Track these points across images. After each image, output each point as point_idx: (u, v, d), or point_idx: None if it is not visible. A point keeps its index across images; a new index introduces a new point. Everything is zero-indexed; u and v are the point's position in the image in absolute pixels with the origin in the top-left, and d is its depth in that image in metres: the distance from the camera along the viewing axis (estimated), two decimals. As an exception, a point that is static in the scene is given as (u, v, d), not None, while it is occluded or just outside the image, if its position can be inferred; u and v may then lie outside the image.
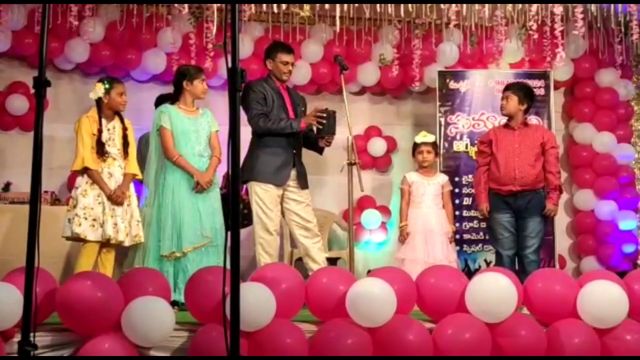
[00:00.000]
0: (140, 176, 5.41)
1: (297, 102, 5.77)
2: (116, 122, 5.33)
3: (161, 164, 5.32)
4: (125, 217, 5.20)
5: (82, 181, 5.16)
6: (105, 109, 5.28)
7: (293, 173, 5.57)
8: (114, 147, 5.25)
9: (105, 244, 5.17)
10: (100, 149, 5.17)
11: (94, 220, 5.08)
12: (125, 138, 5.32)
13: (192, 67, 5.62)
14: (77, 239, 5.14)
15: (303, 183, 5.62)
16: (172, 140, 5.26)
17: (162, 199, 5.21)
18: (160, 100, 6.12)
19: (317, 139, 5.66)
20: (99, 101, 5.27)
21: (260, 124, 5.48)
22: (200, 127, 5.36)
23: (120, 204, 5.17)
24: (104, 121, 5.24)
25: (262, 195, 5.49)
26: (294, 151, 5.59)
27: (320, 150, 5.80)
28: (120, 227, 5.15)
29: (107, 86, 5.25)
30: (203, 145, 5.35)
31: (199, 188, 5.22)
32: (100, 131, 5.19)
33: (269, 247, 5.49)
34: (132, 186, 5.36)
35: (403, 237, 5.87)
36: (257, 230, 5.51)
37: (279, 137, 5.52)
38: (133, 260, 5.36)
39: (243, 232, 6.58)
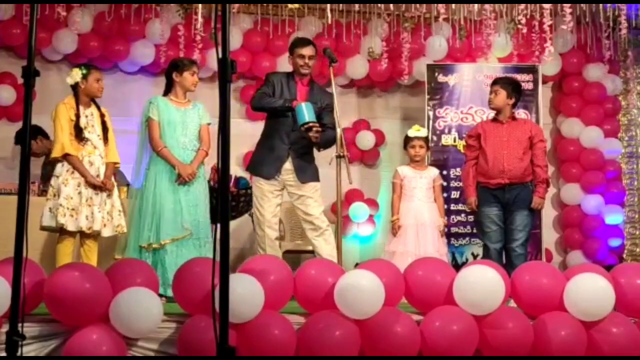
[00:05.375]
0: (120, 164, 5.41)
1: (315, 98, 5.60)
2: (93, 109, 5.31)
3: (147, 155, 5.31)
4: (104, 206, 5.18)
5: (62, 169, 5.13)
6: (82, 95, 5.26)
7: (287, 167, 5.54)
8: (93, 133, 5.23)
9: (87, 235, 5.15)
10: (79, 134, 5.14)
11: (73, 210, 5.06)
12: (104, 124, 5.31)
13: (184, 59, 5.60)
14: (54, 229, 5.12)
15: (302, 177, 5.57)
16: (158, 131, 5.25)
17: (145, 189, 5.20)
18: None
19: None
20: (75, 87, 5.26)
21: (256, 100, 5.54)
22: (188, 119, 5.33)
23: (108, 190, 5.16)
24: (81, 108, 5.22)
25: (256, 192, 5.54)
26: (289, 146, 5.55)
27: (317, 146, 5.64)
28: (97, 217, 5.12)
29: (84, 71, 5.25)
30: (189, 138, 5.31)
31: (180, 180, 5.19)
32: (77, 116, 5.17)
33: (262, 243, 5.51)
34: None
35: (395, 230, 5.90)
36: (255, 225, 5.55)
37: (276, 131, 5.54)
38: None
39: (231, 225, 6.59)
